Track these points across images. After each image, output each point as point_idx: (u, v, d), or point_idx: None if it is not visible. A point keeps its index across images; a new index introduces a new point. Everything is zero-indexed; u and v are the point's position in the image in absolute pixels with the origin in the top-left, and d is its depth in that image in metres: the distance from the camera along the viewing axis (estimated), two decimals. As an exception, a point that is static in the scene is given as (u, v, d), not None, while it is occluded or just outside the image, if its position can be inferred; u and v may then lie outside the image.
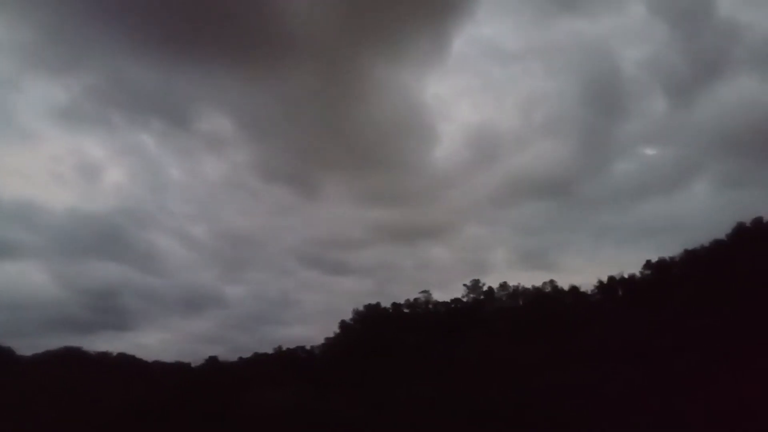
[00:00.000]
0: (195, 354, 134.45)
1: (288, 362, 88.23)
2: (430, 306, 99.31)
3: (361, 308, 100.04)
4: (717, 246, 77.10)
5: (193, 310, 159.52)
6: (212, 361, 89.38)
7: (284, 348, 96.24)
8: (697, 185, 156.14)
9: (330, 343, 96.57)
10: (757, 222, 76.18)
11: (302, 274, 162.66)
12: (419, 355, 74.08)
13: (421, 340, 78.63)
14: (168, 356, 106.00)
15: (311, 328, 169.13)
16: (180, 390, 67.95)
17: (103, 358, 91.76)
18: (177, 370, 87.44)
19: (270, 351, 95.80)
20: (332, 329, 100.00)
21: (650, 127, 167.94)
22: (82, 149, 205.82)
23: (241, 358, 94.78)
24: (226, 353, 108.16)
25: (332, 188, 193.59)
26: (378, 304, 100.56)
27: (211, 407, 61.44)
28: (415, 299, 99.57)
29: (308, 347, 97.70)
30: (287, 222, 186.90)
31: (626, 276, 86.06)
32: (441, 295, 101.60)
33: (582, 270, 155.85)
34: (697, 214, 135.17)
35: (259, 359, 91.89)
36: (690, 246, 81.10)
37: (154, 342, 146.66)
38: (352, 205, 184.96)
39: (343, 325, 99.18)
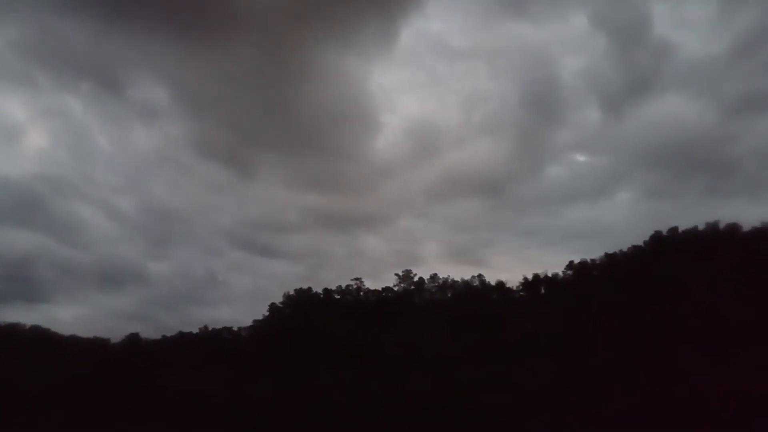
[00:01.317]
0: (114, 331, 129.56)
1: (213, 343, 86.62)
2: (362, 294, 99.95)
3: (291, 292, 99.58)
4: (635, 252, 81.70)
5: (114, 285, 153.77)
6: (133, 338, 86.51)
7: (210, 328, 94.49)
8: (621, 194, 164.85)
9: (258, 326, 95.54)
10: (673, 232, 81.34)
11: (232, 254, 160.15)
12: (348, 341, 74.48)
13: (350, 326, 79.03)
14: (85, 332, 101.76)
15: (239, 309, 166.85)
16: (97, 366, 65.31)
17: (14, 330, 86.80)
18: (94, 346, 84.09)
19: (195, 331, 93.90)
20: (261, 312, 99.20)
21: (583, 135, 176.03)
22: (1, 109, 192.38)
23: (164, 337, 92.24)
24: (148, 331, 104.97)
25: (269, 170, 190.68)
26: (309, 289, 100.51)
27: (131, 385, 59.46)
28: (347, 286, 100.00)
29: (235, 329, 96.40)
30: (219, 201, 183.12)
31: (550, 275, 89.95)
32: (372, 284, 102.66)
33: (509, 267, 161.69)
34: (619, 220, 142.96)
35: (183, 339, 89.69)
36: (611, 250, 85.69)
37: (70, 316, 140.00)
38: (287, 189, 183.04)
39: (272, 308, 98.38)
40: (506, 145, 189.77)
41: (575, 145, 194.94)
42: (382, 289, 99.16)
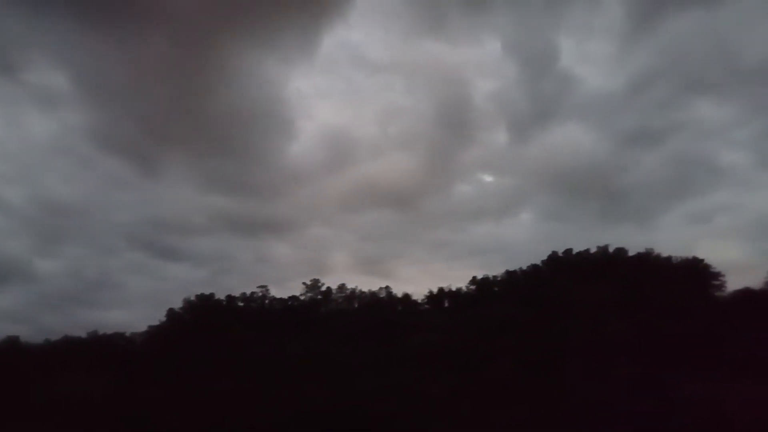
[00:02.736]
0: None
1: (103, 349, 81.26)
2: (267, 301, 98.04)
3: (192, 297, 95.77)
4: (533, 270, 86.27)
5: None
6: (11, 341, 79.45)
7: (100, 333, 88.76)
8: (523, 214, 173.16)
9: (153, 332, 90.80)
10: (568, 253, 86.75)
11: (129, 255, 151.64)
12: (250, 350, 72.62)
13: (253, 335, 77.15)
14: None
15: (134, 314, 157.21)
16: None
17: None
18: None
19: (83, 335, 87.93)
20: (158, 317, 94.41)
21: (490, 156, 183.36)
22: None
23: (47, 341, 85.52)
24: (30, 334, 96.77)
25: (175, 168, 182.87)
26: (211, 295, 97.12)
27: (8, 392, 54.48)
28: (252, 293, 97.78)
29: (128, 334, 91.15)
30: (119, 197, 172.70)
31: (453, 289, 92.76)
32: (279, 292, 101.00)
33: (416, 279, 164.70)
34: (520, 239, 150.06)
35: (69, 343, 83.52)
36: (511, 267, 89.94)
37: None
38: (194, 189, 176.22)
39: (170, 313, 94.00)
40: (418, 160, 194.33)
41: (483, 165, 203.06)
42: (288, 297, 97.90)
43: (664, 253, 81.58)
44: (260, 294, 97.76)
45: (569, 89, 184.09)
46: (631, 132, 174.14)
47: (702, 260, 78.31)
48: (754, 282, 68.80)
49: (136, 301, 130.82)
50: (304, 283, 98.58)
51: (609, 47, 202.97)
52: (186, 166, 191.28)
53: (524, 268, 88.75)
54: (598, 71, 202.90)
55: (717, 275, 76.25)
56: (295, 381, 61.57)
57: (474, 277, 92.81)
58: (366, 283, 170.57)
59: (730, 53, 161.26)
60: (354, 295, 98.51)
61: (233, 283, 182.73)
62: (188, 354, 71.92)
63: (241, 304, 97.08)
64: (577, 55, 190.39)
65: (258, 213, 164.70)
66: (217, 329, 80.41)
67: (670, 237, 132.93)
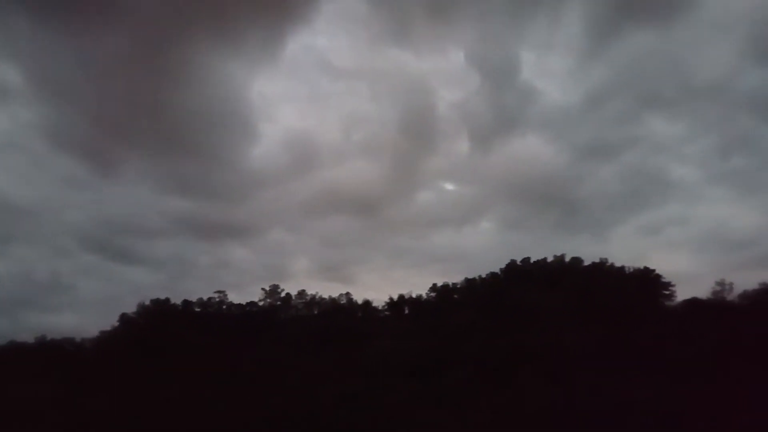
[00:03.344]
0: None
1: (51, 355, 78.20)
2: (224, 307, 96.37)
3: (147, 302, 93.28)
4: (493, 278, 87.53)
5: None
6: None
7: (48, 338, 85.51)
8: (483, 223, 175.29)
9: (105, 338, 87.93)
10: (526, 261, 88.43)
11: (82, 257, 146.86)
12: (206, 356, 71.10)
13: (210, 341, 75.59)
14: None
15: (85, 318, 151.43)
16: None
17: None
18: None
19: (30, 340, 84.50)
20: (110, 322, 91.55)
21: (452, 164, 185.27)
22: None
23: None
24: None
25: (133, 169, 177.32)
26: (167, 300, 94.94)
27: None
28: (209, 298, 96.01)
29: (78, 339, 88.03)
30: (73, 197, 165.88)
31: (414, 296, 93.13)
32: (237, 297, 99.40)
33: (377, 286, 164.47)
34: (480, 248, 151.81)
35: (15, 349, 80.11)
36: (471, 275, 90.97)
37: None
38: (152, 191, 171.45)
39: (124, 318, 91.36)
40: (381, 167, 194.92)
41: (445, 173, 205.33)
42: (247, 303, 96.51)
43: (618, 263, 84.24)
44: (218, 299, 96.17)
45: (530, 102, 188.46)
46: (587, 145, 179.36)
47: (653, 270, 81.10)
48: (702, 292, 71.90)
49: (88, 305, 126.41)
50: (263, 289, 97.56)
51: (568, 62, 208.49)
52: (144, 167, 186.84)
53: (484, 276, 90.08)
54: (557, 85, 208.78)
55: (667, 285, 79.09)
56: (253, 388, 60.61)
57: (434, 285, 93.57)
58: (327, 290, 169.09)
59: (681, 72, 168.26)
60: (314, 302, 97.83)
61: (190, 288, 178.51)
62: (141, 360, 69.92)
63: (197, 309, 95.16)
64: (538, 69, 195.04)
65: (218, 216, 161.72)
66: (172, 335, 78.46)
67: (623, 248, 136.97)
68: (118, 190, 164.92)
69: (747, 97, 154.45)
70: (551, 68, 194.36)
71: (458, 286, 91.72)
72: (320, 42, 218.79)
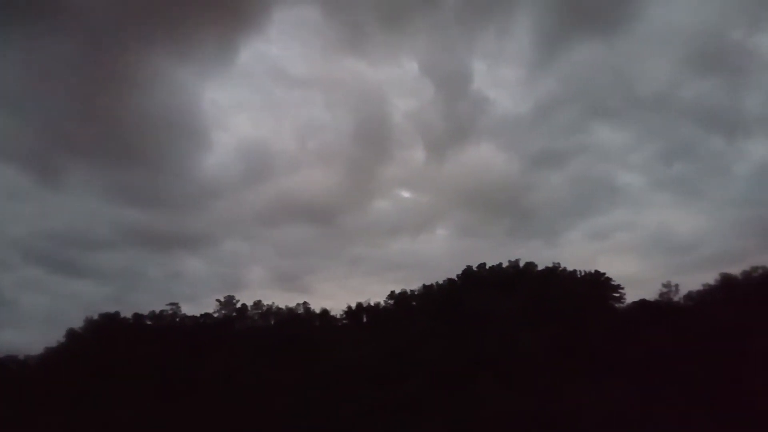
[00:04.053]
0: None
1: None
2: (177, 319, 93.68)
3: (95, 316, 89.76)
4: (449, 284, 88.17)
5: None
6: None
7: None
8: (439, 230, 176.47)
9: (50, 354, 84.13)
10: (481, 267, 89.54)
11: (25, 270, 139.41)
12: (159, 371, 69.06)
13: (163, 355, 73.39)
14: None
15: (28, 335, 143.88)
16: None
17: None
18: None
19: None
20: (56, 338, 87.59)
21: (408, 173, 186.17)
22: None
23: None
24: None
25: (79, 178, 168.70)
26: (117, 314, 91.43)
27: None
28: (161, 311, 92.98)
29: (22, 357, 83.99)
30: (15, 208, 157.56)
31: (372, 304, 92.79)
32: (191, 309, 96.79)
33: (334, 295, 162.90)
34: (436, 255, 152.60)
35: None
36: (428, 282, 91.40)
37: None
38: (99, 200, 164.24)
39: (70, 333, 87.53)
40: (337, 176, 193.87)
41: (401, 181, 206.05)
42: (201, 315, 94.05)
43: (570, 268, 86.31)
44: (170, 312, 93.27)
45: (482, 111, 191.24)
46: (538, 153, 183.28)
47: (603, 274, 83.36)
48: (649, 294, 74.69)
49: (32, 320, 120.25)
50: (218, 300, 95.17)
51: (518, 73, 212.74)
52: (91, 176, 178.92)
53: (441, 282, 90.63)
54: (508, 95, 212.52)
55: (617, 288, 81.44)
56: (207, 403, 59.23)
57: (392, 292, 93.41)
58: (283, 300, 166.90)
59: (626, 82, 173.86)
60: (270, 312, 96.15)
61: (141, 301, 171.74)
62: (89, 377, 67.31)
63: (149, 322, 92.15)
64: (489, 79, 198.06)
65: (169, 226, 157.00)
66: (122, 350, 75.79)
67: (574, 252, 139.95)
68: (64, 200, 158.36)
69: (688, 106, 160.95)
70: (502, 78, 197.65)
71: (416, 293, 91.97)
72: (274, 50, 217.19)
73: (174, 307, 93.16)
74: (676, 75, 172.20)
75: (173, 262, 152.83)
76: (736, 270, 69.85)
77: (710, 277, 71.94)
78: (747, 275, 67.62)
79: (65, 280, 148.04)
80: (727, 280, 68.96)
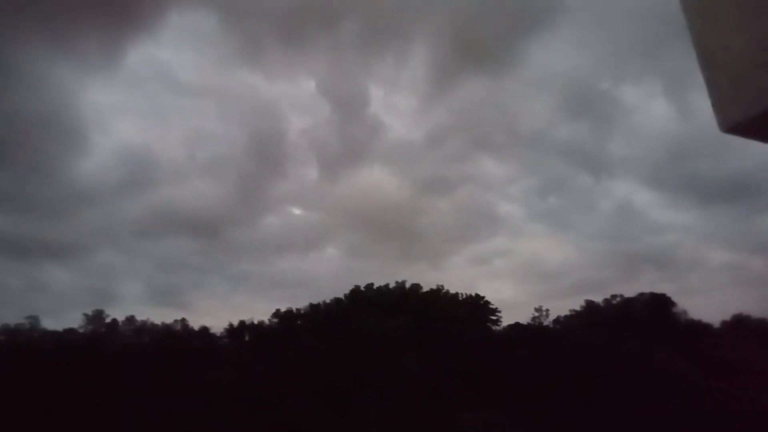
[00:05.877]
0: None
1: None
2: (36, 335, 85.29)
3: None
4: (336, 304, 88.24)
5: None
6: None
7: None
8: (328, 249, 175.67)
9: None
10: (369, 287, 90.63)
11: None
12: (10, 393, 62.20)
13: (17, 375, 66.26)
14: None
15: None
16: None
17: None
18: None
19: None
20: None
21: (300, 190, 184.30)
22: None
23: None
24: None
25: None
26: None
27: None
28: (17, 325, 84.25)
29: None
30: None
31: (256, 322, 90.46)
32: (53, 324, 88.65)
33: (215, 312, 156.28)
34: (325, 274, 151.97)
35: None
36: (315, 301, 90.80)
37: None
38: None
39: None
40: (225, 188, 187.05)
41: (292, 198, 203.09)
42: (64, 330, 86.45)
43: (452, 290, 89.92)
44: (28, 326, 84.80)
45: (377, 135, 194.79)
46: (427, 180, 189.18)
47: (483, 297, 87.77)
48: (523, 317, 79.80)
49: None
50: (84, 314, 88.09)
51: (412, 102, 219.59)
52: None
53: (328, 301, 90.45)
54: (402, 122, 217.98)
55: (494, 311, 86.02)
56: (70, 426, 54.26)
57: (278, 310, 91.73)
58: (160, 316, 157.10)
59: (509, 119, 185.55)
60: (144, 328, 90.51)
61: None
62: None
63: (2, 338, 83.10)
64: (385, 105, 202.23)
65: (32, 233, 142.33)
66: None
67: (457, 276, 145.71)
68: None
69: (561, 145, 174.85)
70: (397, 106, 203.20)
71: (302, 311, 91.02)
72: (165, 55, 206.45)
73: (32, 320, 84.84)
74: (552, 116, 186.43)
75: (34, 271, 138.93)
76: (598, 297, 76.64)
77: (576, 303, 78.53)
78: (608, 302, 74.38)
79: None
80: (590, 306, 75.39)
